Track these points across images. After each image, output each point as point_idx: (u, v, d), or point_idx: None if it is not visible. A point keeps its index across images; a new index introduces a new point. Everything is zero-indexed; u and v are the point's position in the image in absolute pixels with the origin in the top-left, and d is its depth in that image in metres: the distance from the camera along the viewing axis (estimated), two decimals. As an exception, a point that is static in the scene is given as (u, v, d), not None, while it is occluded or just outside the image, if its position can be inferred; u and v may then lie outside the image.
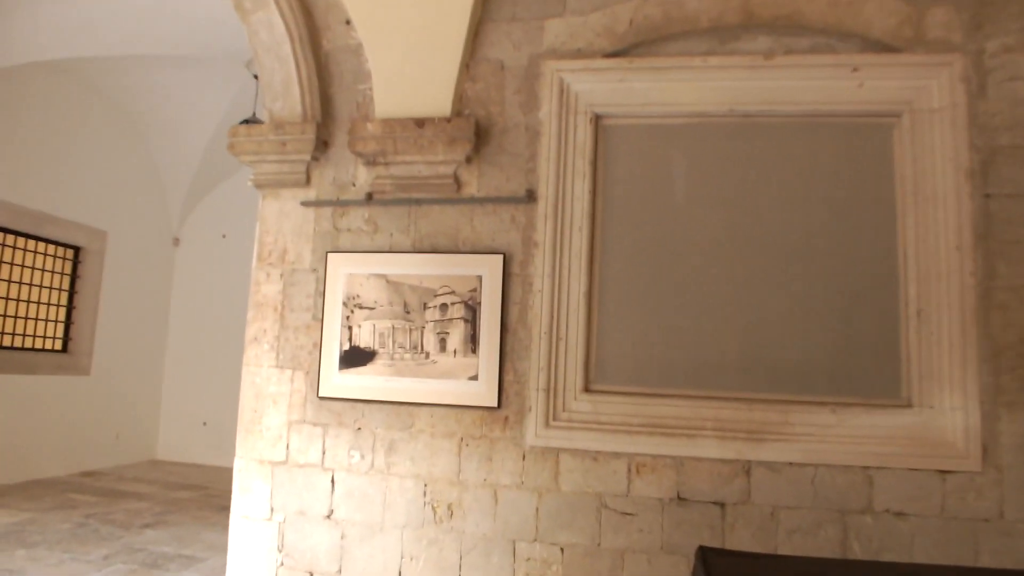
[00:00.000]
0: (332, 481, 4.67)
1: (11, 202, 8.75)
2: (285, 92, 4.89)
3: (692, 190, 4.12)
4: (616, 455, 4.00)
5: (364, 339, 4.81)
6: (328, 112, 4.98)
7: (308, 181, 5.02)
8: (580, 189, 4.53)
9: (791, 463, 3.63)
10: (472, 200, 4.76)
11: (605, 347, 4.64)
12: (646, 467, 3.91)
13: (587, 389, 4.63)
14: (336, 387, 4.73)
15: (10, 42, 7.12)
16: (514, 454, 4.35)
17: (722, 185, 3.99)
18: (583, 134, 4.29)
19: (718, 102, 3.83)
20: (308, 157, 4.95)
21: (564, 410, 4.43)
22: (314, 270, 4.99)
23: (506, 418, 4.53)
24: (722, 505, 3.68)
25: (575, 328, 4.60)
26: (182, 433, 10.87)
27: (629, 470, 3.93)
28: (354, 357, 4.79)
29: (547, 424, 4.41)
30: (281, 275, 5.00)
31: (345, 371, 4.76)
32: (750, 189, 3.89)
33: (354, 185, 4.98)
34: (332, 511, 4.62)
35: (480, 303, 4.65)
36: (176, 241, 11.14)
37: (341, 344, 4.78)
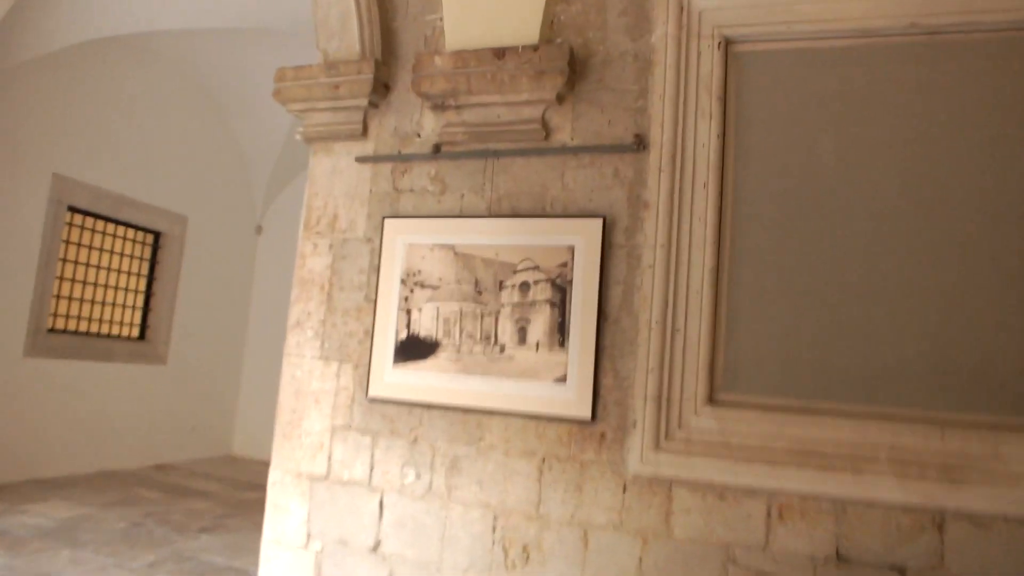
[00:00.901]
0: (381, 505, 3.47)
1: (90, 183, 8.00)
2: (342, 29, 3.75)
3: (857, 134, 3.08)
4: (751, 492, 2.92)
5: (425, 326, 3.59)
6: (390, 49, 3.81)
7: (365, 132, 3.85)
8: (705, 134, 3.42)
9: (1005, 517, 2.50)
10: (564, 150, 3.53)
11: (737, 343, 3.34)
12: (792, 511, 2.82)
13: (712, 400, 3.38)
14: (390, 386, 3.59)
15: (84, 16, 6.25)
16: (612, 483, 3.27)
17: (898, 127, 2.94)
18: (708, 63, 3.29)
19: (895, 14, 2.87)
20: (365, 102, 3.78)
21: (680, 427, 3.29)
22: (368, 240, 3.83)
23: (602, 435, 3.28)
24: (901, 571, 2.58)
25: (697, 317, 3.48)
26: (259, 428, 9.97)
27: (768, 514, 2.86)
28: (412, 348, 3.59)
29: (657, 445, 3.28)
30: (330, 246, 3.85)
31: (401, 365, 3.84)
32: (938, 131, 2.85)
33: (419, 136, 3.77)
34: (379, 543, 3.41)
35: (572, 282, 3.43)
36: (259, 229, 10.29)
37: (397, 332, 3.89)
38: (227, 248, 10.66)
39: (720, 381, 3.34)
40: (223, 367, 10.65)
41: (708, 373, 3.34)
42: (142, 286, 9.63)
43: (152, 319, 9.66)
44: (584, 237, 3.52)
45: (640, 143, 3.51)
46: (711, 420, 3.18)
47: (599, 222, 3.50)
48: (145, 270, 9.66)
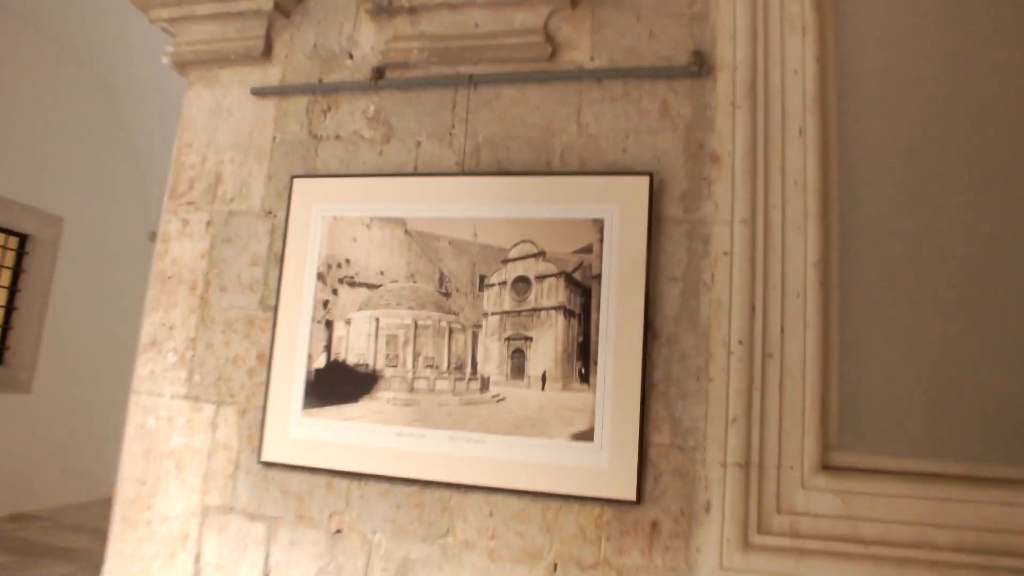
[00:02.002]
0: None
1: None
2: None
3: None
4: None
5: (357, 348, 2.01)
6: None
7: (268, 52, 2.34)
8: (797, 55, 2.15)
9: None
10: (581, 74, 2.36)
11: (859, 375, 2.08)
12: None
13: (827, 465, 2.05)
14: (297, 444, 2.34)
15: None
16: (678, 614, 1.68)
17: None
18: (802, -52, 1.80)
19: None
20: (270, 5, 2.13)
21: (781, 510, 2.00)
22: (268, 213, 2.30)
23: (654, 525, 2.07)
24: None
25: (799, 334, 2.10)
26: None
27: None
28: (335, 384, 2.08)
29: (746, 541, 1.99)
30: (208, 224, 2.22)
31: (316, 411, 2.34)
32: None
33: (351, 57, 2.25)
34: None
35: (600, 277, 2.18)
36: (153, 236, 8.20)
37: (311, 358, 2.39)
38: (112, 256, 8.63)
39: (837, 434, 2.07)
40: (102, 396, 8.54)
41: (819, 422, 2.05)
42: (2, 299, 7.52)
43: (13, 339, 7.57)
44: (619, 206, 2.19)
45: (700, 64, 2.14)
46: (829, 497, 2.00)
47: (643, 182, 2.02)
48: (6, 280, 7.55)
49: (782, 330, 2.06)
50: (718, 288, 2.08)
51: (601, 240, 2.09)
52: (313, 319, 2.28)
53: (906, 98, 2.12)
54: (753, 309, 2.06)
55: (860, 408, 2.04)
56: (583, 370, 2.06)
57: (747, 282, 2.07)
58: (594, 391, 2.04)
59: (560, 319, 2.09)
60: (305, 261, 2.31)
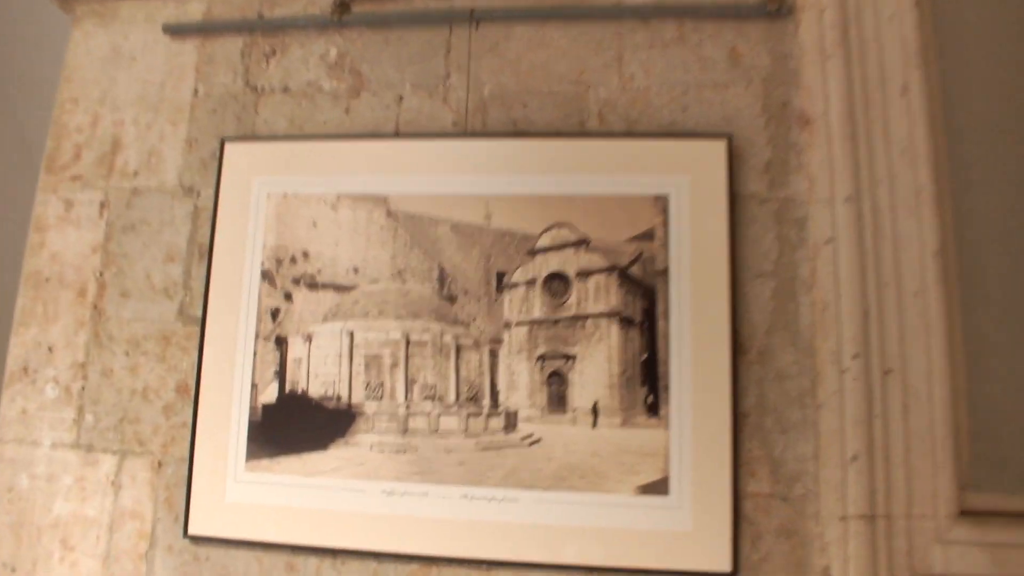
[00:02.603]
0: None
1: None
2: None
3: None
4: None
5: (322, 373, 1.28)
6: None
7: None
8: None
9: None
10: (621, 11, 1.76)
11: (993, 391, 1.56)
12: None
13: (965, 511, 1.50)
14: (240, 511, 1.59)
15: None
16: None
17: None
18: None
19: None
20: None
21: (916, 572, 1.45)
22: (190, 191, 1.76)
23: None
24: None
25: (922, 344, 1.56)
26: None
27: None
28: (292, 425, 1.63)
29: None
30: (102, 205, 1.43)
31: (265, 464, 1.61)
32: None
33: None
34: None
35: (667, 272, 1.58)
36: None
37: (255, 388, 1.65)
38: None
39: (972, 469, 1.58)
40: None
41: (954, 455, 1.55)
42: None
43: None
44: (690, 178, 1.62)
45: (779, 3, 1.72)
46: (974, 552, 1.48)
47: (718, 148, 1.43)
48: None
49: (901, 340, 1.49)
50: (822, 286, 1.50)
51: (666, 224, 1.47)
52: (258, 335, 1.54)
53: (1018, 53, 1.64)
54: (865, 313, 1.48)
55: (997, 434, 1.51)
56: (651, 399, 1.43)
57: (858, 277, 1.50)
58: (667, 427, 1.42)
59: (614, 330, 1.45)
60: (244, 255, 1.57)
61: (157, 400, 1.63)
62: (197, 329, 1.62)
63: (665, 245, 1.49)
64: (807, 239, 1.54)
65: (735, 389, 1.46)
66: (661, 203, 1.50)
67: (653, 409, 1.45)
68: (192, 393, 1.59)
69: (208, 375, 1.57)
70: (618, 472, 1.42)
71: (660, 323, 1.47)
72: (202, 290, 1.63)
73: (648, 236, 1.49)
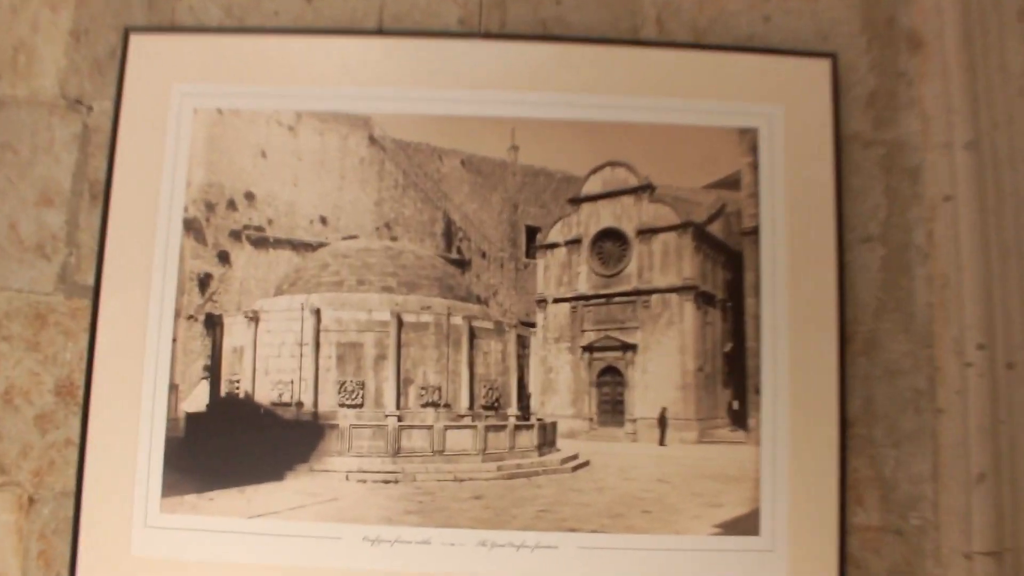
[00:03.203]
0: None
1: None
2: None
3: None
4: None
5: (274, 368, 1.15)
6: None
7: None
8: None
9: None
10: None
11: None
12: None
13: None
14: (152, 568, 1.00)
15: None
16: None
17: None
18: None
19: None
20: None
21: None
22: (77, 104, 1.20)
23: None
24: None
25: None
26: None
27: None
28: (230, 443, 1.06)
29: None
30: None
31: (191, 501, 1.03)
32: None
33: None
34: None
35: (757, 232, 1.10)
36: None
37: (175, 389, 1.07)
38: None
39: None
40: None
41: None
42: None
43: None
44: (783, 108, 1.17)
45: None
46: None
47: (821, 69, 0.93)
48: None
49: (1028, 325, 1.10)
50: (941, 256, 1.10)
51: (755, 166, 1.03)
52: (179, 313, 1.00)
53: None
54: (988, 292, 1.10)
55: None
56: (736, 404, 0.99)
57: (982, 246, 1.10)
58: (757, 442, 0.99)
59: (689, 311, 1.01)
60: (158, 197, 1.03)
61: (27, 407, 1.07)
62: (88, 304, 1.06)
63: (754, 196, 1.05)
64: (922, 195, 1.12)
65: (843, 390, 1.04)
66: (748, 139, 1.05)
67: (739, 418, 1.01)
68: (80, 397, 1.04)
69: (104, 371, 1.02)
70: (693, 505, 0.99)
71: (748, 301, 1.04)
72: (95, 247, 1.07)
73: (731, 183, 1.05)
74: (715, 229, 1.06)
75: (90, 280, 1.10)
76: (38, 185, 1.14)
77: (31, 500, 1.07)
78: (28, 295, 1.12)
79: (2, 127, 1.16)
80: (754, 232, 1.09)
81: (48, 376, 1.10)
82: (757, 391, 1.06)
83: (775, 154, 1.11)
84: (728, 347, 1.04)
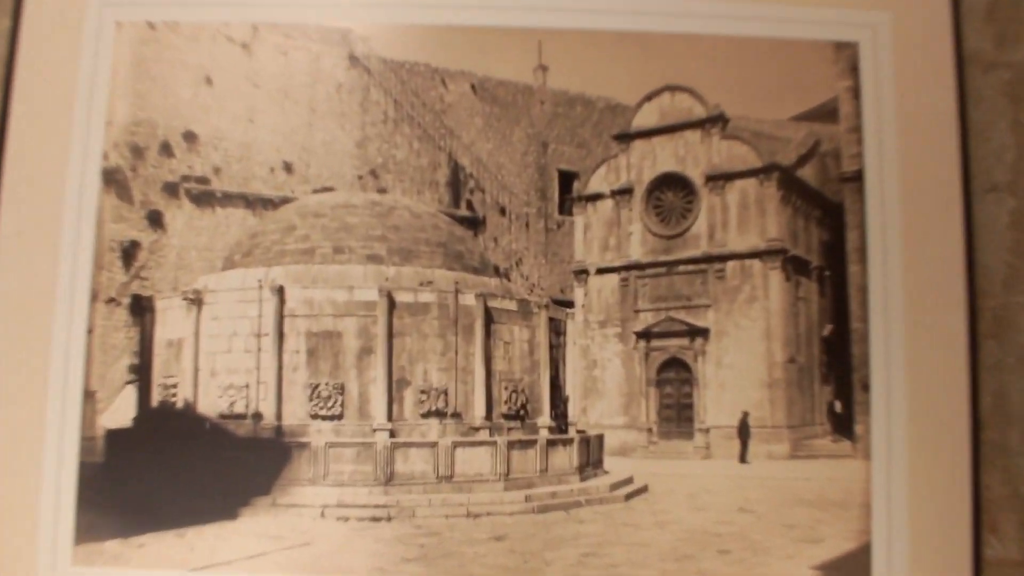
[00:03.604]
0: None
1: None
2: None
3: None
4: None
5: (223, 368, 0.79)
6: None
7: None
8: None
9: None
10: None
11: None
12: None
13: None
14: None
15: None
16: None
17: None
18: None
19: None
20: None
21: None
22: None
23: None
24: None
25: None
26: None
27: None
28: (163, 471, 0.68)
29: None
30: None
31: (112, 546, 0.67)
32: None
33: None
34: None
35: (860, 178, 0.77)
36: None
37: (90, 399, 0.75)
38: None
39: None
40: None
41: None
42: None
43: None
44: (890, 17, 0.84)
45: None
46: None
47: None
48: None
49: None
50: None
51: (856, 92, 0.75)
52: (95, 294, 0.71)
53: None
54: None
55: None
56: (839, 406, 0.72)
57: None
58: (866, 455, 0.72)
59: (776, 282, 0.79)
60: (67, 141, 0.73)
61: None
62: None
63: (856, 130, 0.78)
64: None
65: (974, 384, 0.77)
66: (847, 57, 0.80)
67: (842, 424, 0.78)
68: None
69: None
70: (785, 540, 0.75)
71: (852, 269, 0.78)
72: None
73: (826, 114, 0.80)
74: (807, 174, 0.78)
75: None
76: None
77: None
78: None
79: None
80: (857, 177, 0.82)
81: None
82: (865, 387, 0.81)
83: (881, 76, 0.84)
84: (827, 330, 0.79)
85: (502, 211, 0.87)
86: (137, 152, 0.91)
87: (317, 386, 0.89)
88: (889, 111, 0.89)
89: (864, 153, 0.89)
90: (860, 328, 0.89)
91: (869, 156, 0.88)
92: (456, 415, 0.90)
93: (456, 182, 0.88)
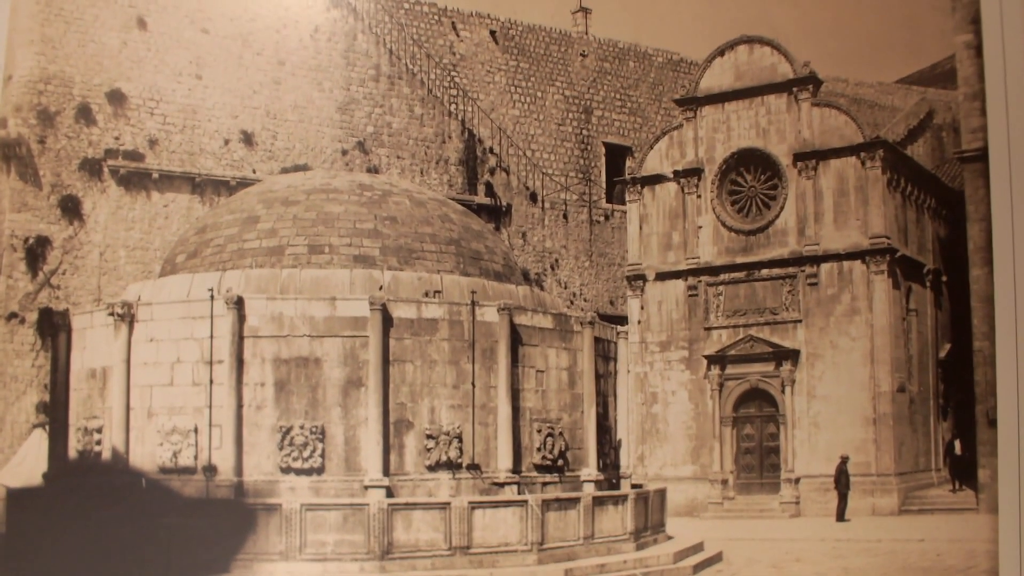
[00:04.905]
0: None
1: None
2: None
3: None
4: None
5: (162, 406, 0.74)
6: None
7: None
8: None
9: None
10: None
11: None
12: None
13: None
14: None
15: None
16: None
17: None
18: None
19: None
20: None
21: None
22: None
23: None
24: None
25: None
26: None
27: None
28: (82, 550, 0.66)
29: None
30: None
31: None
32: None
33: None
34: None
35: (985, 156, 0.70)
36: None
37: None
38: None
39: None
40: None
41: None
42: None
43: None
44: None
45: None
46: None
47: None
48: None
49: None
50: None
51: (978, 49, 0.59)
52: None
53: None
54: None
55: None
56: (958, 446, 0.55)
57: None
58: (993, 508, 0.57)
59: (881, 290, 0.68)
60: None
61: None
62: None
63: (980, 97, 0.62)
64: None
65: None
66: (966, 5, 0.60)
67: (963, 469, 0.62)
68: None
69: None
70: None
71: (974, 274, 0.64)
72: None
73: (941, 76, 0.71)
74: (918, 152, 0.66)
75: None
76: None
77: None
78: None
79: None
80: (981, 157, 0.67)
81: None
82: (992, 422, 0.69)
83: (1010, 29, 0.68)
84: (945, 350, 0.64)
85: (532, 198, 0.72)
86: (46, 118, 0.72)
87: (289, 430, 0.72)
88: (1018, 73, 0.72)
89: (988, 126, 0.74)
90: (985, 348, 0.75)
91: (994, 130, 0.73)
92: (474, 466, 0.74)
93: (471, 159, 0.72)
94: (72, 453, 0.82)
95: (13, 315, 0.95)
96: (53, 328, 0.85)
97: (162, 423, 0.80)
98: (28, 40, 0.96)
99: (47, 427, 0.85)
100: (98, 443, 0.82)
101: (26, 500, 0.83)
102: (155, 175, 1.02)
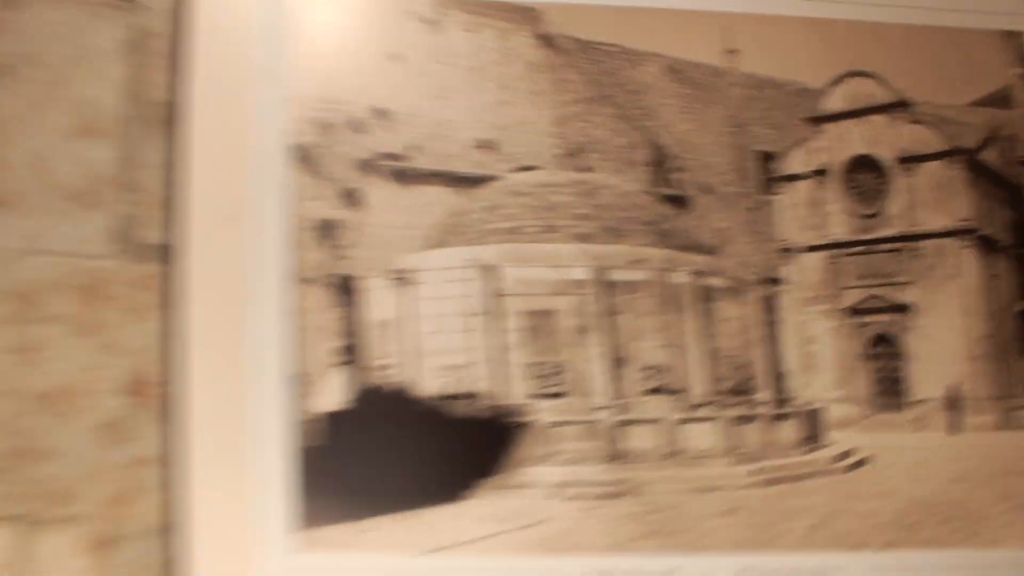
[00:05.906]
0: None
1: None
2: None
3: None
4: None
5: (435, 347, 0.86)
6: None
7: None
8: None
9: None
10: None
11: None
12: None
13: None
14: None
15: None
16: None
17: None
18: None
19: None
20: None
21: None
22: None
23: None
24: None
25: None
26: None
27: None
28: (379, 455, 0.77)
29: None
30: None
31: (333, 533, 0.73)
32: None
33: None
34: None
35: None
36: None
37: (303, 379, 0.82)
38: None
39: None
40: None
41: None
42: None
43: None
44: None
45: None
46: None
47: None
48: None
49: None
50: None
51: None
52: (296, 275, 0.72)
53: None
54: None
55: None
56: None
57: None
58: None
59: (971, 260, 0.79)
60: (247, 116, 0.74)
61: (86, 412, 0.80)
62: (156, 269, 0.79)
63: None
64: None
65: None
66: (1014, 46, 0.86)
67: None
68: (163, 397, 0.77)
69: (199, 360, 0.75)
70: (1000, 509, 0.81)
71: None
72: (161, 191, 0.79)
73: (1000, 100, 0.84)
74: (990, 157, 0.85)
75: (161, 238, 0.82)
76: (74, 108, 0.85)
77: (105, 540, 0.79)
78: (72, 259, 0.83)
79: (23, 34, 0.86)
80: None
81: (109, 370, 0.82)
82: None
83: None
84: (1020, 306, 0.84)
85: (704, 191, 0.91)
86: (324, 128, 0.93)
87: (535, 365, 0.91)
88: None
89: None
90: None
91: None
92: (678, 391, 0.94)
93: (656, 162, 0.91)
94: (367, 384, 0.94)
95: (308, 279, 1.04)
96: (345, 289, 0.96)
97: (437, 361, 0.93)
98: (303, 65, 1.08)
99: (346, 365, 0.94)
100: (387, 377, 0.94)
101: (337, 421, 0.94)
102: (418, 172, 1.11)
